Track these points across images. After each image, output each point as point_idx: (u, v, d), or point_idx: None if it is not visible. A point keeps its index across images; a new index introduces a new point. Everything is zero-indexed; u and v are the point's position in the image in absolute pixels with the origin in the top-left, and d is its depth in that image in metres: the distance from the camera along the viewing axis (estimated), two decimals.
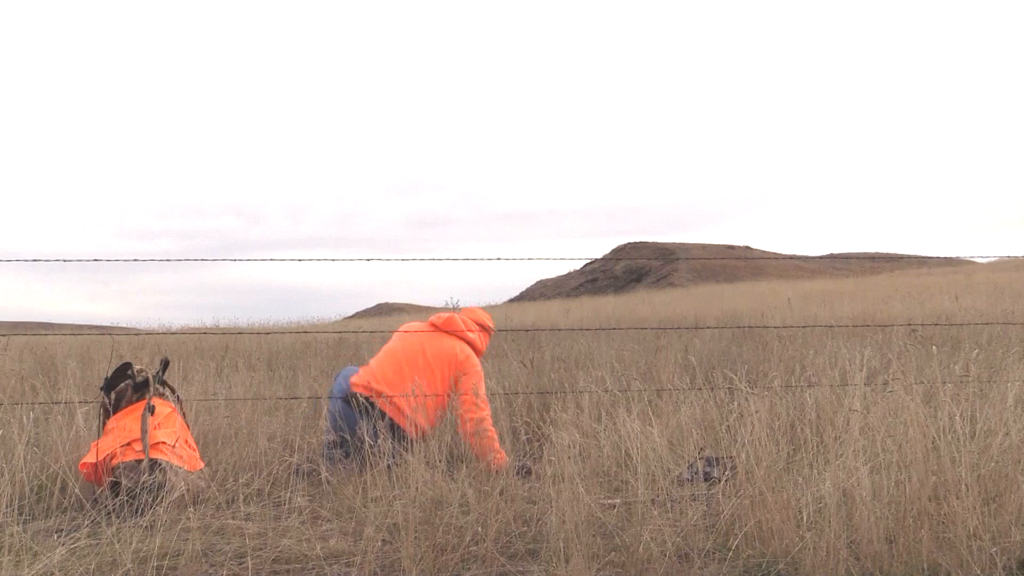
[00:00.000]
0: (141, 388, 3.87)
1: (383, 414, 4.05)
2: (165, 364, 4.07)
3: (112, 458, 3.52)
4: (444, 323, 4.39)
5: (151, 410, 3.72)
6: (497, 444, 4.10)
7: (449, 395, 4.20)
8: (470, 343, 4.42)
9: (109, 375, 3.92)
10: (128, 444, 3.56)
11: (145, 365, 4.13)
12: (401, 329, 4.51)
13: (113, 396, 3.85)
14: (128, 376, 3.88)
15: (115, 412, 3.81)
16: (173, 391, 4.06)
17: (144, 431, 3.58)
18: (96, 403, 4.01)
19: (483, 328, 4.55)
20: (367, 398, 4.09)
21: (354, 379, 4.20)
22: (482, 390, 4.24)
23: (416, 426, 4.01)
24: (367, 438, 3.81)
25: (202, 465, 3.76)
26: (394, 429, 3.98)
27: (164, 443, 3.62)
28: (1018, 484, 2.81)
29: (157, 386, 3.92)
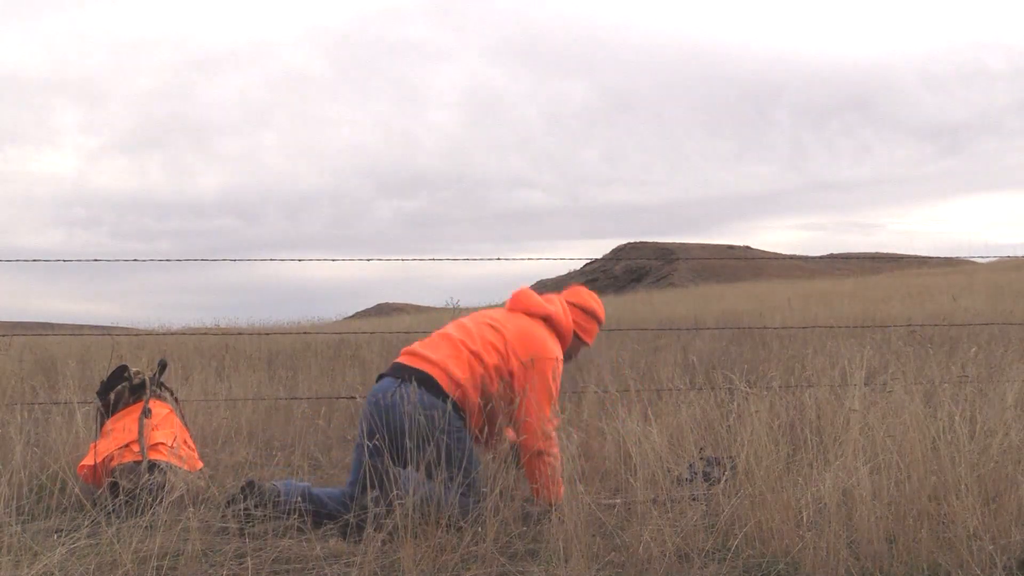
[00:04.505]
0: (138, 390, 3.87)
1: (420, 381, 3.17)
2: (163, 366, 4.07)
3: (111, 460, 3.52)
4: (513, 301, 3.60)
5: (147, 412, 3.72)
6: (558, 475, 3.22)
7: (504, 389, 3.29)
8: (551, 318, 3.49)
9: (105, 378, 3.92)
10: (126, 446, 3.56)
11: (144, 366, 4.13)
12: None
13: (112, 397, 3.85)
14: (124, 379, 3.88)
15: (113, 414, 3.82)
16: (171, 392, 4.06)
17: (141, 433, 3.58)
18: (95, 404, 4.01)
19: (580, 309, 3.58)
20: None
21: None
22: (548, 399, 3.29)
23: (453, 381, 3.18)
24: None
25: (201, 465, 3.77)
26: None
27: (163, 444, 3.62)
28: (1018, 484, 2.81)
29: (154, 388, 3.92)
